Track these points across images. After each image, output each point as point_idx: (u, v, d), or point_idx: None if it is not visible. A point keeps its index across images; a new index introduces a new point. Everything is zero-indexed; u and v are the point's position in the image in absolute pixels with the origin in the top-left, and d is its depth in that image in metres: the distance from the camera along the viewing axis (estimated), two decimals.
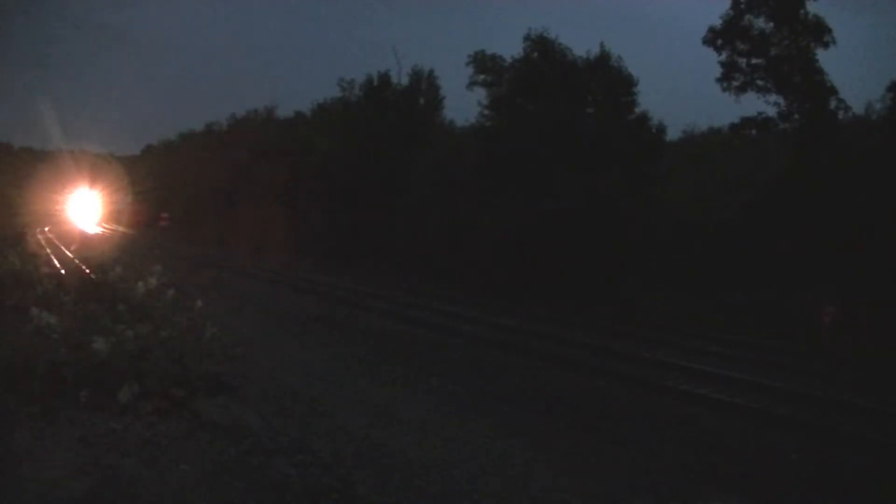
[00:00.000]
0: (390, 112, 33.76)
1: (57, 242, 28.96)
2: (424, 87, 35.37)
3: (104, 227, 50.25)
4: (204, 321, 9.00)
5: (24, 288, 11.06)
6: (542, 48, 23.55)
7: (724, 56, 19.57)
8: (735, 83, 19.46)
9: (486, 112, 25.80)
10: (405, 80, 35.30)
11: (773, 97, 19.12)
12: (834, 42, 18.68)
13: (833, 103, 18.71)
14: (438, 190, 26.89)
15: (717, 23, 19.50)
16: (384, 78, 35.41)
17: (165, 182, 49.66)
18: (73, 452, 5.47)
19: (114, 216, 54.19)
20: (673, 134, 25.93)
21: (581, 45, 25.46)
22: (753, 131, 20.18)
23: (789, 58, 18.92)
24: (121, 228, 51.08)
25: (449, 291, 20.50)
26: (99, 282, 11.69)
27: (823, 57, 18.78)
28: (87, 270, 14.19)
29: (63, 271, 14.36)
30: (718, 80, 19.63)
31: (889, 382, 10.37)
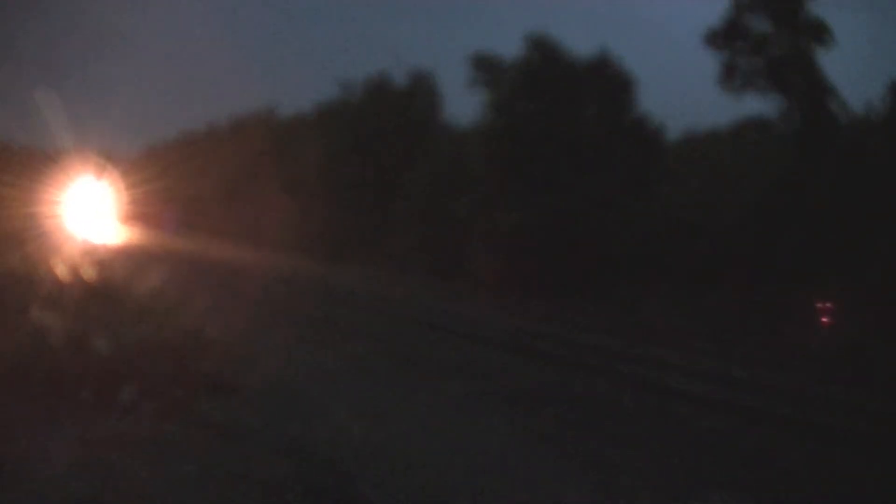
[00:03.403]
0: (390, 112, 33.79)
1: (57, 242, 28.90)
2: (424, 87, 35.40)
3: (106, 228, 50.12)
4: (204, 321, 9.01)
5: (24, 288, 11.04)
6: (543, 49, 23.54)
7: (723, 56, 19.57)
8: (735, 83, 19.45)
9: (486, 112, 25.78)
10: (404, 81, 35.35)
11: (773, 97, 19.14)
12: (834, 42, 18.70)
13: (833, 103, 18.71)
14: (438, 190, 26.90)
15: (717, 23, 19.52)
16: (384, 78, 35.46)
17: (167, 183, 49.56)
18: (74, 452, 5.47)
19: (115, 216, 54.02)
20: (673, 134, 25.91)
21: (581, 45, 25.42)
22: (753, 131, 20.17)
23: (789, 58, 18.91)
24: (122, 229, 50.97)
25: (449, 290, 20.49)
26: (99, 282, 11.68)
27: (823, 57, 18.80)
28: (87, 270, 14.17)
29: (63, 271, 14.34)
30: (718, 80, 19.63)
31: (888, 381, 10.36)
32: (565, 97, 22.74)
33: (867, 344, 12.62)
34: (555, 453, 6.58)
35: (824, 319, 14.07)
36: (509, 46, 25.39)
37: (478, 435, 6.96)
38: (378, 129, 33.22)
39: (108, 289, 10.95)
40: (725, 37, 19.40)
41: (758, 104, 19.31)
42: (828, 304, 14.31)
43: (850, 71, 22.91)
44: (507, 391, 8.91)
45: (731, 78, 19.44)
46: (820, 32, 18.63)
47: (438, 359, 10.80)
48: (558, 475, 6.00)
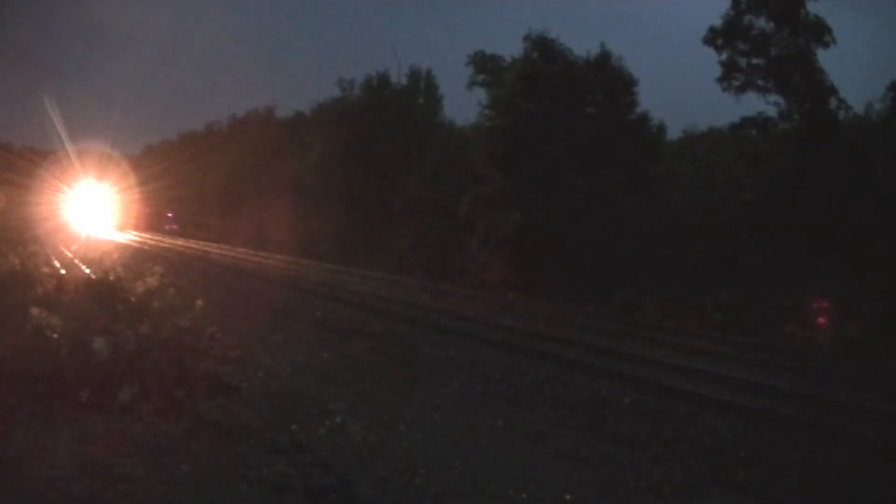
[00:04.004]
0: (390, 112, 33.82)
1: (59, 242, 28.92)
2: (423, 86, 35.44)
3: (107, 227, 50.14)
4: (204, 321, 9.02)
5: (24, 288, 11.04)
6: (542, 48, 23.56)
7: (724, 56, 19.60)
8: (735, 83, 19.48)
9: (486, 112, 25.83)
10: (404, 80, 35.38)
11: (773, 97, 19.17)
12: (834, 42, 18.72)
13: (833, 103, 18.73)
14: (438, 190, 26.93)
15: (717, 23, 19.55)
16: (384, 78, 35.48)
17: (168, 182, 49.65)
18: (73, 452, 5.47)
19: (116, 216, 54.01)
20: (673, 134, 25.96)
21: (581, 45, 25.44)
22: (753, 131, 20.20)
23: (789, 58, 18.93)
24: (124, 228, 50.97)
25: (449, 290, 20.50)
26: (99, 282, 11.68)
27: (823, 57, 18.82)
28: (87, 270, 14.17)
29: (63, 271, 14.33)
30: (718, 80, 19.66)
31: (883, 380, 10.38)
32: (565, 96, 22.76)
33: (863, 343, 12.64)
34: (555, 453, 6.58)
35: (821, 320, 14.09)
36: (509, 46, 25.46)
37: (477, 435, 6.97)
38: (378, 129, 33.22)
39: (109, 288, 10.95)
40: (725, 37, 19.42)
41: (758, 104, 19.36)
42: (824, 304, 14.33)
43: (850, 71, 22.96)
44: (506, 391, 8.92)
45: (731, 78, 19.47)
46: (820, 32, 18.65)
47: (438, 359, 10.81)
48: (558, 475, 6.01)
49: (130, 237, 45.35)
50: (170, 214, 51.56)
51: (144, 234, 48.99)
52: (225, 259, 31.06)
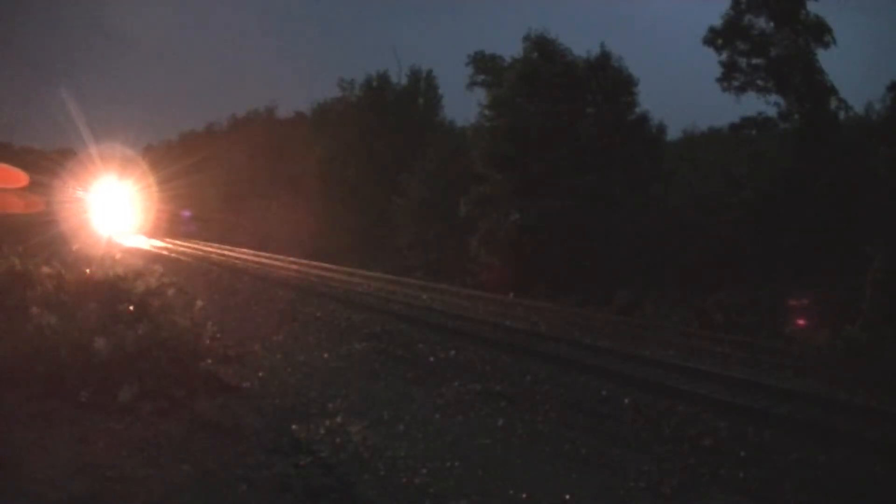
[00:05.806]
0: (390, 112, 33.87)
1: (60, 241, 28.86)
2: (423, 87, 35.50)
3: (109, 227, 49.79)
4: (204, 321, 9.01)
5: (24, 288, 11.03)
6: (542, 48, 23.58)
7: (724, 56, 19.64)
8: (735, 83, 19.53)
9: (486, 112, 25.85)
10: (404, 81, 35.44)
11: (773, 97, 19.22)
12: (834, 42, 18.76)
13: (833, 103, 18.76)
14: (438, 190, 26.93)
15: (717, 23, 19.58)
16: (384, 78, 35.54)
17: (176, 184, 49.42)
18: (73, 452, 5.47)
19: (118, 216, 53.48)
20: (673, 134, 26.01)
21: (581, 45, 25.52)
22: (753, 131, 20.24)
23: (789, 58, 18.95)
24: (126, 228, 50.63)
25: (448, 290, 20.48)
26: (99, 282, 11.67)
27: (823, 57, 18.86)
28: (88, 270, 14.15)
29: (63, 271, 14.32)
30: (718, 80, 19.70)
31: (883, 379, 10.37)
32: (565, 96, 22.78)
33: (863, 343, 12.64)
34: (555, 453, 6.58)
35: (800, 321, 14.14)
36: (509, 46, 25.53)
37: (477, 435, 6.97)
38: (378, 129, 33.25)
39: (109, 288, 10.94)
40: (725, 37, 19.45)
41: (758, 104, 19.40)
42: (804, 302, 14.34)
43: (850, 71, 23.01)
44: (506, 391, 8.91)
45: (731, 78, 19.50)
46: (820, 32, 18.68)
47: (438, 358, 10.80)
48: (558, 475, 6.01)
49: (133, 236, 45.17)
50: (186, 213, 51.00)
51: (148, 233, 48.78)
52: (225, 259, 31.02)
